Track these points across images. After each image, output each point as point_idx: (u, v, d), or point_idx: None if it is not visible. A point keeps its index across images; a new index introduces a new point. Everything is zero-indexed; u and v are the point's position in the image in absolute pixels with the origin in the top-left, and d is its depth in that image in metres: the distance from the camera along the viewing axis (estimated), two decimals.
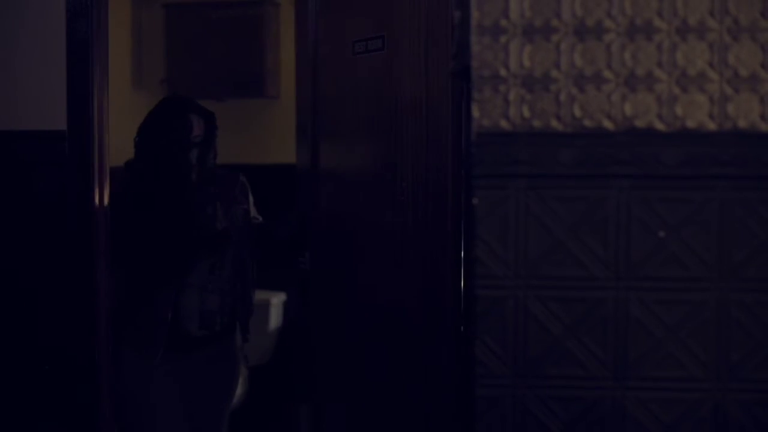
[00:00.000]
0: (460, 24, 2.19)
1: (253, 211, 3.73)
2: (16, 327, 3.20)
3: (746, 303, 2.13)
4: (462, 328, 2.20)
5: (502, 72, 2.14)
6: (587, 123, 2.13)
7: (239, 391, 4.07)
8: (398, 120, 2.73)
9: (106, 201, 3.21)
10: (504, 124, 2.14)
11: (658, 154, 2.12)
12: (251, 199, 3.72)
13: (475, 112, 2.14)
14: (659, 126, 2.13)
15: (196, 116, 3.48)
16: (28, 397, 3.20)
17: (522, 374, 2.15)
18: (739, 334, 2.13)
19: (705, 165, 2.11)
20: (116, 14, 4.94)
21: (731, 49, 2.12)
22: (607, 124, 2.13)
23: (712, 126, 2.12)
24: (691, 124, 2.12)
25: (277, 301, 5.23)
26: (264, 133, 5.71)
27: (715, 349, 2.14)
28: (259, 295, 4.14)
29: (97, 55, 3.12)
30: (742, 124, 2.12)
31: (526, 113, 2.13)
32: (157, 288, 3.47)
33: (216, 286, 3.52)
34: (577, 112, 2.13)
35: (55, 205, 3.17)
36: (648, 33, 2.13)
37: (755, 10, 2.12)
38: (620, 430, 2.14)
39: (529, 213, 2.13)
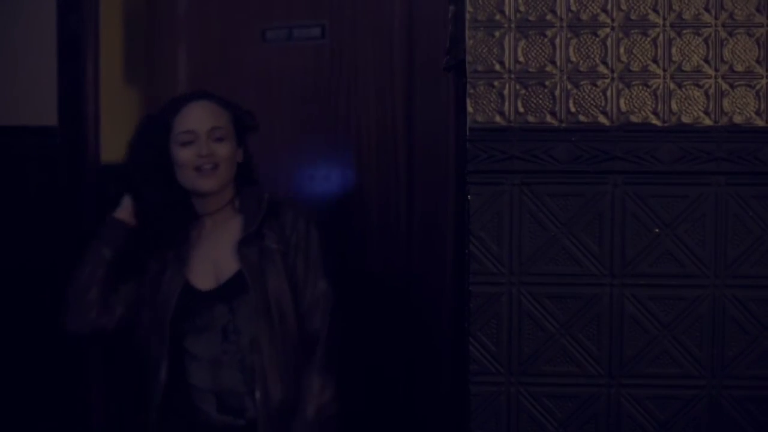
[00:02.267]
0: (454, 18, 2.17)
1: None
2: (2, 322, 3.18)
3: (741, 299, 2.12)
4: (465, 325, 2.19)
5: (497, 67, 2.12)
6: (582, 118, 2.12)
7: None
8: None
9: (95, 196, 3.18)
10: (498, 119, 2.12)
11: (653, 150, 2.11)
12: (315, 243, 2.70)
13: (470, 108, 2.12)
14: (654, 121, 2.11)
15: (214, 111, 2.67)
16: None
17: (516, 371, 2.13)
18: (734, 331, 2.12)
19: (700, 161, 2.10)
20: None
21: (726, 44, 2.11)
22: (602, 120, 2.11)
23: (707, 121, 2.11)
24: (686, 119, 2.11)
25: None
26: None
27: (709, 345, 2.13)
28: None
29: (88, 50, 3.10)
30: (737, 119, 2.10)
31: (521, 108, 2.12)
32: (148, 355, 2.71)
33: (234, 359, 2.63)
34: (572, 108, 2.12)
35: (46, 201, 3.15)
36: (643, 28, 2.11)
37: (750, 5, 2.10)
38: (615, 427, 2.13)
39: (524, 209, 2.12)
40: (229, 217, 2.68)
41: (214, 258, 2.66)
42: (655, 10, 2.11)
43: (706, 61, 2.11)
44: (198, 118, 2.61)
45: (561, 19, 2.12)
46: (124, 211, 2.64)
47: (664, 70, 2.11)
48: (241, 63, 3.17)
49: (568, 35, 2.12)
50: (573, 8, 2.12)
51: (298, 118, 3.05)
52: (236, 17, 3.19)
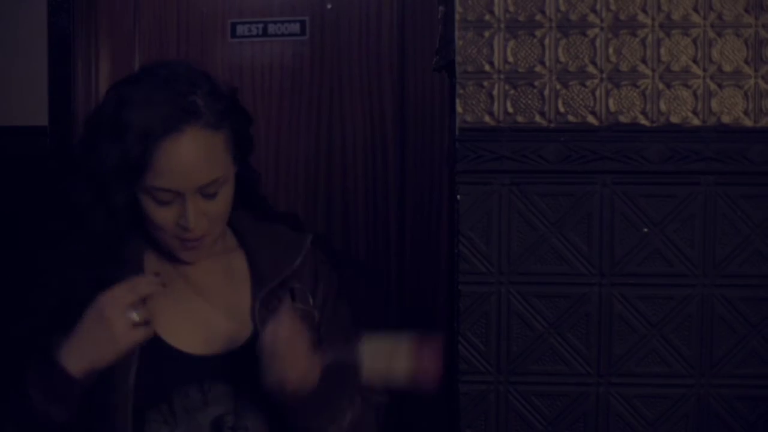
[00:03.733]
0: (444, 18, 2.18)
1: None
2: None
3: (729, 299, 2.12)
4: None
5: (486, 67, 2.13)
6: (571, 118, 2.12)
7: None
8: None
9: None
10: (488, 119, 2.13)
11: (642, 150, 2.11)
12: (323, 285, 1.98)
13: (459, 108, 2.13)
14: (643, 121, 2.12)
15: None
16: None
17: (505, 370, 2.14)
18: (723, 330, 2.13)
19: (689, 161, 2.11)
20: None
21: (715, 44, 2.12)
22: (591, 120, 2.12)
23: (696, 121, 2.12)
24: (675, 119, 2.12)
25: None
26: None
27: (698, 345, 2.13)
28: None
29: (78, 50, 3.10)
30: (725, 119, 2.11)
31: (510, 109, 2.12)
32: None
33: None
34: (561, 108, 2.12)
35: (37, 201, 3.15)
36: (632, 28, 2.12)
37: (739, 5, 2.11)
38: (604, 425, 2.14)
39: (513, 209, 2.12)
40: (221, 253, 1.93)
41: (198, 310, 1.87)
42: (644, 11, 2.12)
43: (695, 61, 2.12)
44: (183, 172, 1.75)
45: (550, 20, 2.13)
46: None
47: (653, 71, 2.12)
48: (210, 58, 3.14)
49: (558, 35, 2.13)
50: (562, 8, 2.13)
51: (274, 117, 3.03)
52: (206, 11, 3.17)
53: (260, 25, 3.06)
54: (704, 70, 2.12)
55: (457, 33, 2.13)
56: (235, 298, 1.90)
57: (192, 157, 1.76)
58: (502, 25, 2.13)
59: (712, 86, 2.11)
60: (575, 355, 2.13)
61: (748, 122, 2.11)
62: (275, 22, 3.00)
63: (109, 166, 1.77)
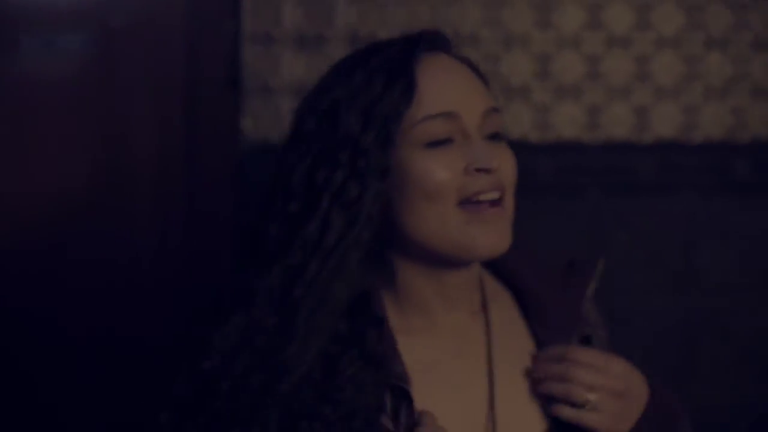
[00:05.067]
0: (233, 33, 2.17)
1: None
2: None
3: None
4: None
5: (274, 82, 2.12)
6: None
7: None
8: None
9: None
10: (276, 135, 2.12)
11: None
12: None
13: (246, 124, 2.12)
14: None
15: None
16: None
17: None
18: None
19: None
20: None
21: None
22: None
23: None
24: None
25: None
26: None
27: None
28: None
29: None
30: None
31: None
32: None
33: None
34: None
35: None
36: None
37: (527, 21, 2.10)
38: None
39: None
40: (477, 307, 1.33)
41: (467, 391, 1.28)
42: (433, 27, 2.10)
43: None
44: (459, 87, 1.28)
45: (339, 35, 2.11)
46: None
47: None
48: None
49: (347, 50, 2.11)
50: (351, 23, 2.11)
51: (58, 131, 2.93)
52: None
53: (46, 38, 3.02)
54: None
55: (245, 48, 2.13)
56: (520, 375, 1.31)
57: (464, 71, 1.31)
58: (291, 40, 2.12)
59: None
60: None
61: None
62: (61, 35, 2.97)
63: (356, 125, 1.25)
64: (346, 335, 1.24)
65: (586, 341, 1.33)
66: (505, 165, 1.25)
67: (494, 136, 1.26)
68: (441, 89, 1.27)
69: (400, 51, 1.30)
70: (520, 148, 1.31)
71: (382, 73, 1.28)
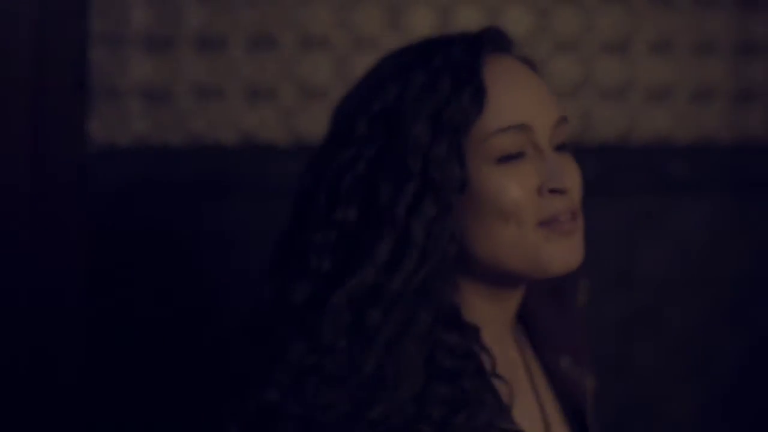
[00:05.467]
0: (80, 34, 2.12)
1: None
2: None
3: None
4: None
5: (123, 84, 2.08)
6: (209, 137, 2.09)
7: None
8: None
9: None
10: (123, 139, 2.08)
11: (281, 169, 2.08)
12: None
13: (93, 126, 2.08)
14: (281, 140, 2.10)
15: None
16: None
17: None
18: None
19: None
20: None
21: (353, 61, 2.11)
22: (229, 139, 2.09)
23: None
24: (313, 138, 2.10)
25: None
26: None
27: None
28: None
29: None
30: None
31: (146, 128, 2.08)
32: None
33: None
34: (199, 127, 2.09)
35: None
36: (271, 45, 2.09)
37: (377, 23, 2.11)
38: None
39: (147, 228, 2.09)
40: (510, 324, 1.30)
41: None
42: (284, 29, 2.09)
43: (334, 78, 2.11)
44: (531, 94, 1.22)
45: (189, 37, 2.08)
46: None
47: (293, 89, 2.10)
48: None
49: (196, 53, 2.09)
50: (201, 26, 2.08)
51: None
52: None
53: None
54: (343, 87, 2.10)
55: (92, 49, 2.08)
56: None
57: (534, 77, 1.25)
58: (140, 42, 2.08)
59: None
60: None
61: None
62: None
63: (425, 132, 1.16)
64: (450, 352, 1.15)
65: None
66: (577, 181, 1.22)
67: (561, 147, 1.23)
68: (513, 97, 1.20)
69: (465, 51, 1.20)
70: None
71: (448, 74, 1.18)
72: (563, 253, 1.19)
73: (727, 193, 2.40)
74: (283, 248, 1.24)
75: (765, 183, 2.42)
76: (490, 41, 1.23)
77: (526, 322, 1.33)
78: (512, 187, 1.17)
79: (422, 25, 2.14)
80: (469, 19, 2.14)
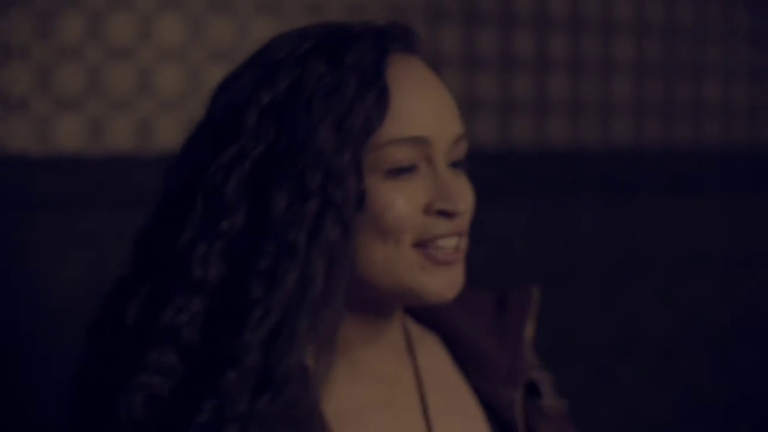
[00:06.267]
0: None
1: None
2: None
3: None
4: None
5: None
6: None
7: None
8: None
9: None
10: None
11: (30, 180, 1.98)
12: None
13: None
14: (32, 150, 2.01)
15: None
16: None
17: None
18: None
19: (78, 189, 2.00)
20: None
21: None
22: None
23: (89, 150, 2.07)
24: (66, 148, 2.05)
25: None
26: None
27: None
28: None
29: None
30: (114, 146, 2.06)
31: None
32: None
33: None
34: None
35: None
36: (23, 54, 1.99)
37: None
38: None
39: None
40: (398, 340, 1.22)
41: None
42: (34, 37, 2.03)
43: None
44: (433, 106, 1.13)
45: None
46: None
47: (45, 99, 2.05)
48: None
49: None
50: None
51: None
52: None
53: None
54: (97, 98, 2.06)
55: None
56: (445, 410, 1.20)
57: (440, 86, 1.14)
58: None
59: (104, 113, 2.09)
60: None
61: (141, 150, 2.07)
62: None
63: (330, 139, 1.05)
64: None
65: (532, 389, 1.23)
66: (470, 205, 1.13)
67: (457, 164, 1.14)
68: (415, 106, 1.10)
69: (371, 48, 1.10)
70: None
71: (353, 74, 1.07)
72: (438, 285, 1.11)
73: None
74: (149, 256, 1.12)
75: None
76: (398, 38, 1.13)
77: (444, 334, 1.24)
78: (398, 203, 1.09)
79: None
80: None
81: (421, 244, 1.10)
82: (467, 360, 1.21)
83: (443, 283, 1.11)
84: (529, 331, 1.22)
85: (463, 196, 1.12)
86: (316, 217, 1.04)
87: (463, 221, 1.12)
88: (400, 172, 1.09)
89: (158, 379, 1.05)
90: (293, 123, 1.06)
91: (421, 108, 1.10)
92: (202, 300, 1.06)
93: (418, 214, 1.09)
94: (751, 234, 3.00)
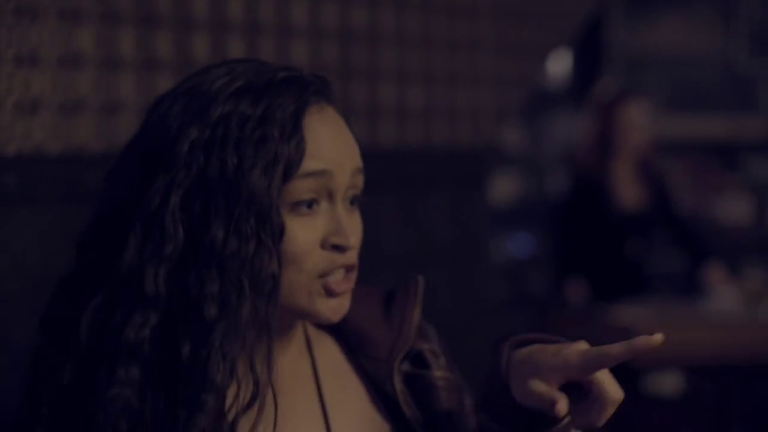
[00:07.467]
0: None
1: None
2: None
3: None
4: None
5: None
6: None
7: None
8: None
9: None
10: None
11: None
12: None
13: None
14: None
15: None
16: None
17: None
18: None
19: None
20: None
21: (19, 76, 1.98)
22: None
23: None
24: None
25: None
26: None
27: None
28: None
29: None
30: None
31: None
32: None
33: None
34: None
35: None
36: None
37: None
38: None
39: None
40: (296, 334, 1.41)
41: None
42: None
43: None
44: (338, 143, 1.32)
45: None
46: None
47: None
48: None
49: None
50: None
51: None
52: None
53: None
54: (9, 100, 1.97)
55: None
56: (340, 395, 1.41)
57: (344, 125, 1.33)
58: None
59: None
60: None
61: (53, 150, 2.01)
62: None
63: (261, 179, 1.23)
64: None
65: (417, 357, 1.41)
66: (359, 239, 1.32)
67: (352, 201, 1.32)
68: (324, 148, 1.28)
69: (294, 101, 1.27)
70: None
71: (277, 125, 1.24)
72: (328, 312, 1.30)
73: None
74: (92, 264, 1.27)
75: None
76: (316, 91, 1.30)
77: (338, 326, 1.41)
78: (299, 236, 1.26)
79: None
80: None
81: (323, 275, 1.28)
82: (357, 346, 1.41)
83: (333, 309, 1.30)
84: (417, 312, 1.41)
85: (353, 232, 1.30)
86: (254, 255, 1.22)
87: (353, 255, 1.30)
88: (301, 204, 1.26)
89: (128, 391, 1.21)
90: (222, 160, 1.23)
91: (329, 148, 1.28)
92: (156, 314, 1.22)
93: (316, 248, 1.27)
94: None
